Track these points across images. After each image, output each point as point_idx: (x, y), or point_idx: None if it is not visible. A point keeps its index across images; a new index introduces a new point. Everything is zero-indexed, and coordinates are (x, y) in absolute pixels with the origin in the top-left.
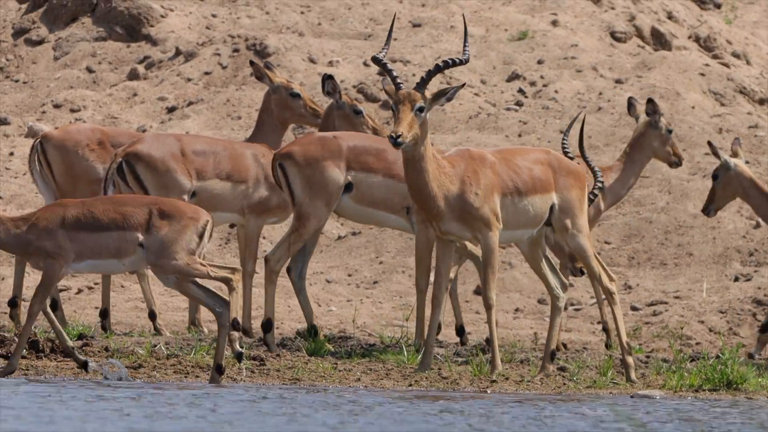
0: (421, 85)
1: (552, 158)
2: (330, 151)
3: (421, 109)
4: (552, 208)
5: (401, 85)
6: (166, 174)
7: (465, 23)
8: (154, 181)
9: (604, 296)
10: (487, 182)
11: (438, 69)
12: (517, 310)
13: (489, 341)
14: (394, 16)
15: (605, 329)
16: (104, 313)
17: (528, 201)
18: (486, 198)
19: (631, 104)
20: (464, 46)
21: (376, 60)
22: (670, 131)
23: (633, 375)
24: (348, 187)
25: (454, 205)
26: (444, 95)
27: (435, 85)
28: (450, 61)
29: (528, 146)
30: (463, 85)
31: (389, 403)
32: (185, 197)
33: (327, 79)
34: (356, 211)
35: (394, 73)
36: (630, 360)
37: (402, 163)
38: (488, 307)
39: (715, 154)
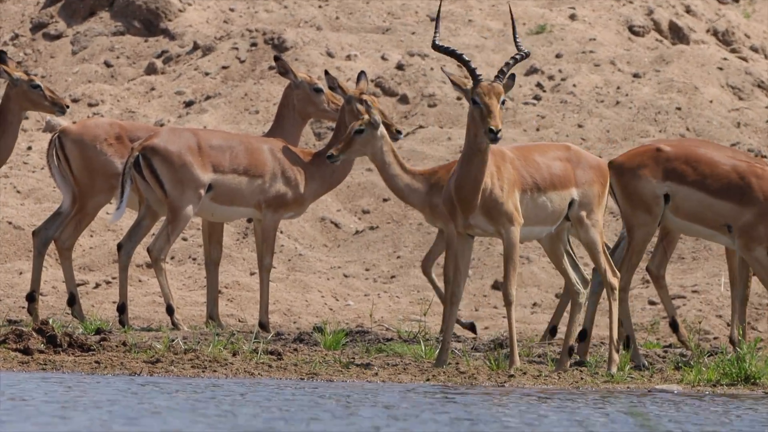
0: (501, 77)
1: (572, 154)
2: None
3: (503, 102)
4: (571, 203)
5: (481, 76)
6: (182, 168)
7: (513, 19)
8: (170, 175)
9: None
10: (509, 178)
11: (515, 61)
12: (534, 304)
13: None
14: (441, 2)
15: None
16: (122, 308)
17: (546, 197)
18: (509, 193)
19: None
20: (515, 40)
21: (441, 48)
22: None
23: (614, 370)
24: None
25: (485, 200)
26: (509, 88)
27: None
28: (518, 57)
29: (547, 141)
30: (513, 77)
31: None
32: (201, 191)
33: (326, 74)
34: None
35: (472, 65)
36: (615, 356)
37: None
38: (508, 303)
39: None
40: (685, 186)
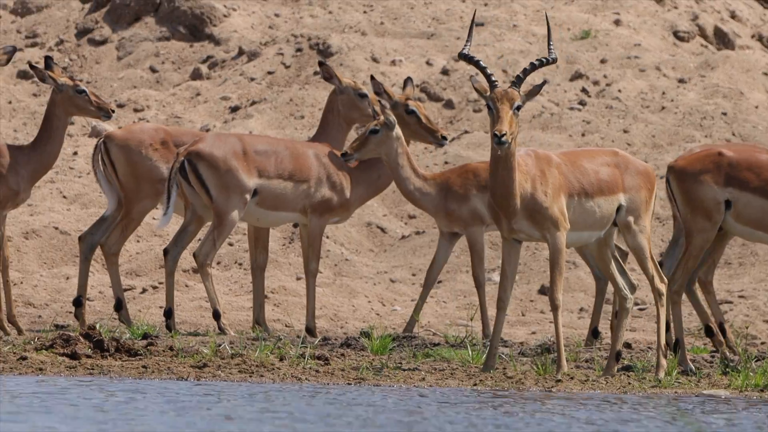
0: (518, 83)
1: (620, 159)
2: None
3: (518, 108)
4: (619, 209)
5: (496, 82)
6: (228, 173)
7: (548, 24)
8: (215, 180)
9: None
10: (554, 182)
11: (533, 67)
12: (581, 309)
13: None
14: (474, 13)
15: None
16: (168, 313)
17: (594, 202)
18: (555, 198)
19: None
20: (549, 45)
21: (465, 57)
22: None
23: (662, 375)
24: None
25: (527, 204)
26: (535, 94)
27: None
28: (543, 60)
29: (593, 146)
30: (546, 82)
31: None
32: (247, 196)
33: (372, 79)
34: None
35: (489, 71)
36: (663, 362)
37: (493, 161)
38: (554, 308)
39: None
40: (747, 192)
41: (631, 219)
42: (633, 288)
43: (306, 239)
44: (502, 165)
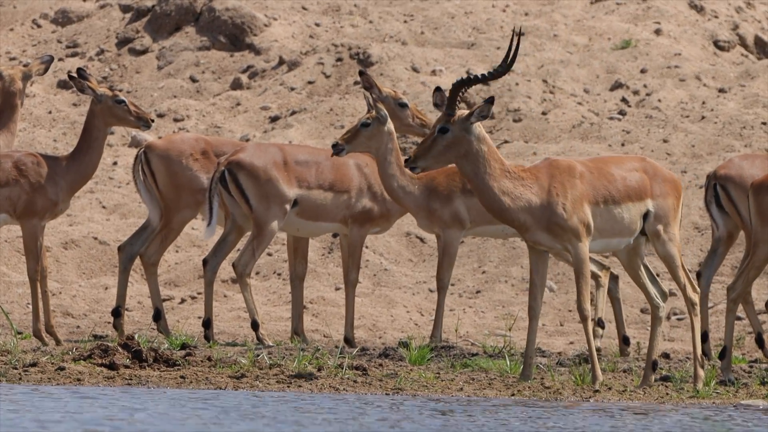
0: (445, 105)
1: (648, 166)
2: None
3: (441, 130)
4: (647, 215)
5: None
6: (268, 183)
7: (513, 34)
8: (255, 190)
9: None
10: (575, 192)
11: (455, 89)
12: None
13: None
14: (515, 32)
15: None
16: (207, 323)
17: (622, 209)
18: (574, 209)
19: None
20: (505, 58)
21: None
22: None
23: (700, 385)
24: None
25: (540, 217)
26: (478, 113)
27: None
28: (473, 77)
29: (623, 154)
30: (490, 100)
31: None
32: (287, 206)
33: (436, 90)
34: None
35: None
36: (701, 372)
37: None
38: (583, 319)
39: None
40: None
41: (660, 227)
42: (665, 296)
43: (346, 249)
44: (472, 184)
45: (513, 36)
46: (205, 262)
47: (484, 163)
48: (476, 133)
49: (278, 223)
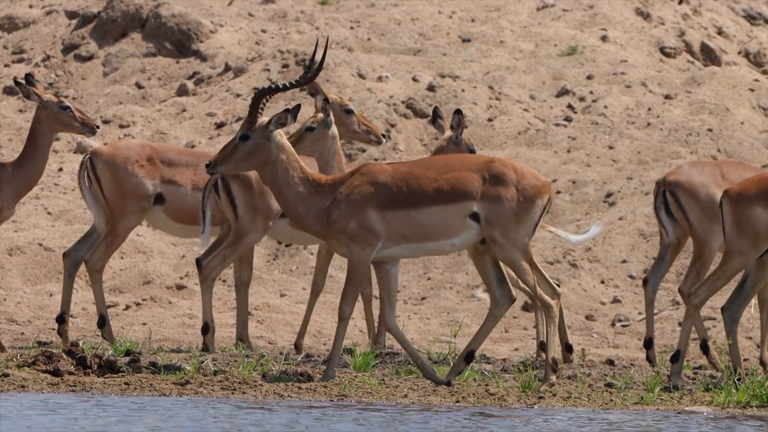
0: (250, 120)
1: (494, 167)
2: None
3: (243, 137)
4: (475, 218)
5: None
6: (260, 196)
7: (318, 45)
8: (245, 200)
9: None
10: (358, 198)
11: (257, 97)
12: (568, 326)
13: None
14: (319, 42)
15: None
16: (206, 328)
17: (426, 212)
18: (352, 213)
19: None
20: (309, 65)
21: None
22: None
23: (543, 387)
24: None
25: (324, 222)
26: (280, 121)
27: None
28: (275, 87)
29: (578, 162)
30: (296, 107)
31: None
32: (270, 223)
33: (456, 113)
34: None
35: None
36: (553, 378)
37: None
38: (340, 319)
39: None
40: None
41: (496, 232)
42: (510, 300)
43: (323, 261)
44: (273, 191)
45: (317, 45)
46: (198, 262)
47: (282, 170)
48: (276, 141)
49: (257, 236)
